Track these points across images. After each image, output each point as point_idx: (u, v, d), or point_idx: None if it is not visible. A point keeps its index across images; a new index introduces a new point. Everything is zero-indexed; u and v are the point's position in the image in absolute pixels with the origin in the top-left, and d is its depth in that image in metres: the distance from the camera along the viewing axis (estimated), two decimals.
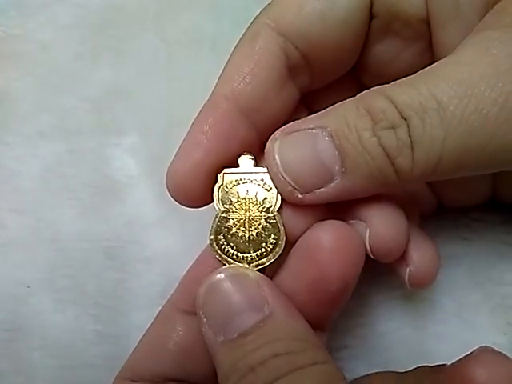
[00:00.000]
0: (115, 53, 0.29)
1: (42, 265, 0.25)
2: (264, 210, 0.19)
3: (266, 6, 0.20)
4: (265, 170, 0.19)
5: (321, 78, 0.21)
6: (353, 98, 0.18)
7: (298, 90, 0.21)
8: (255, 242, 0.19)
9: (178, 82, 0.28)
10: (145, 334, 0.21)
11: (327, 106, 0.18)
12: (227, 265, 0.19)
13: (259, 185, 0.19)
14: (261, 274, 0.18)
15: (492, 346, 0.17)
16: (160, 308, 0.21)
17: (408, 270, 0.20)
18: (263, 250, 0.19)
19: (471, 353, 0.17)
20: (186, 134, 0.20)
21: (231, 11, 0.29)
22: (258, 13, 0.20)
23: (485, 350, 0.17)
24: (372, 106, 0.16)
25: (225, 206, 0.20)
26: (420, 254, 0.20)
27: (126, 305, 0.25)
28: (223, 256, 0.19)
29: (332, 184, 0.17)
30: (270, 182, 0.19)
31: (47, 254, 0.26)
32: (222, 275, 0.18)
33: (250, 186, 0.20)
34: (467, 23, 0.18)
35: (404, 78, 0.17)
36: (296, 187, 0.18)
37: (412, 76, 0.17)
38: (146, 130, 0.28)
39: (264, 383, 0.16)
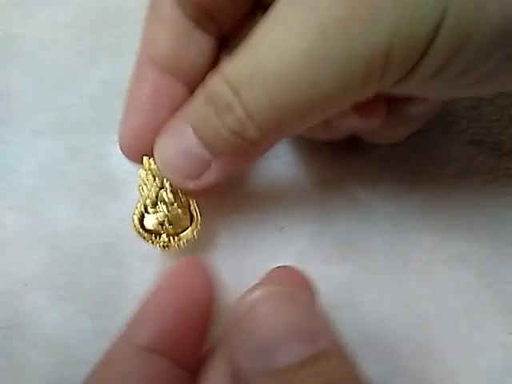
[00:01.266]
0: (114, 51, 0.29)
1: (39, 262, 0.25)
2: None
3: None
4: None
5: (227, 19, 0.22)
6: (201, 84, 0.19)
7: (211, 36, 0.22)
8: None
9: None
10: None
11: None
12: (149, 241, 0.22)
13: None
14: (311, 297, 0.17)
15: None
16: None
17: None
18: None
19: None
20: (124, 103, 0.22)
21: None
22: None
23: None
24: (213, 90, 0.18)
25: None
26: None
27: (122, 302, 0.24)
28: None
29: (211, 168, 0.20)
30: None
31: (45, 251, 0.26)
32: (268, 292, 0.15)
33: None
34: None
35: (239, 47, 0.18)
36: (182, 179, 0.20)
37: (244, 43, 0.18)
38: None
39: None
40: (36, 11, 0.30)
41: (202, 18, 0.21)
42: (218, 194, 0.25)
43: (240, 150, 0.19)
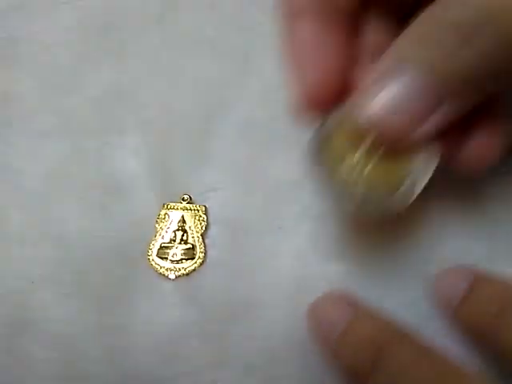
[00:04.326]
0: (117, 54, 0.29)
1: (46, 261, 0.26)
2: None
3: None
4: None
5: None
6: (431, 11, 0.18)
7: None
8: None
9: (179, 83, 0.29)
10: None
11: None
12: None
13: None
14: None
15: None
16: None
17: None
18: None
19: None
20: (293, 62, 0.20)
21: (232, 13, 0.30)
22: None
23: None
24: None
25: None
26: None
27: (129, 299, 0.25)
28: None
29: (443, 107, 0.18)
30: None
31: (51, 250, 0.26)
32: None
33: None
34: None
35: None
36: (407, 126, 0.18)
37: None
38: (147, 129, 0.28)
39: None
40: (39, 14, 0.30)
41: None
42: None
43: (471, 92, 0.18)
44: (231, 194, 0.26)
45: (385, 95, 0.18)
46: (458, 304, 0.21)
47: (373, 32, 0.21)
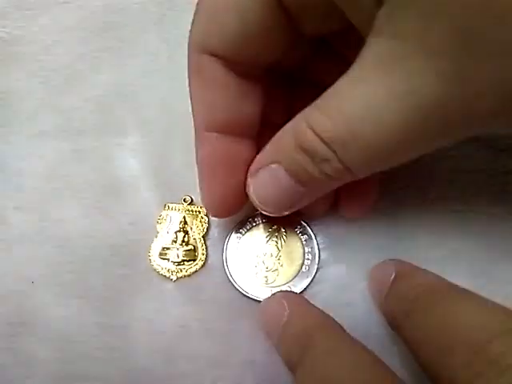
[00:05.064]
0: (117, 54, 0.30)
1: (46, 261, 0.26)
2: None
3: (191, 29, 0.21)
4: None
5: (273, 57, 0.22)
6: (289, 131, 0.20)
7: (258, 82, 0.22)
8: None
9: (179, 83, 0.28)
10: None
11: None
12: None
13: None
14: None
15: None
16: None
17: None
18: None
19: None
20: (198, 171, 0.23)
21: None
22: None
23: None
24: (306, 144, 0.19)
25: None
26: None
27: (128, 299, 0.25)
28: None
29: (304, 198, 0.21)
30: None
31: (51, 251, 0.26)
32: None
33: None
34: None
35: (320, 98, 0.19)
36: (279, 211, 0.22)
37: (326, 96, 0.18)
38: (147, 130, 0.28)
39: None
40: (39, 14, 0.30)
41: (248, 70, 0.22)
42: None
43: (335, 187, 0.21)
44: None
45: (256, 183, 0.22)
46: (382, 299, 0.23)
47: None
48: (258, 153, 0.22)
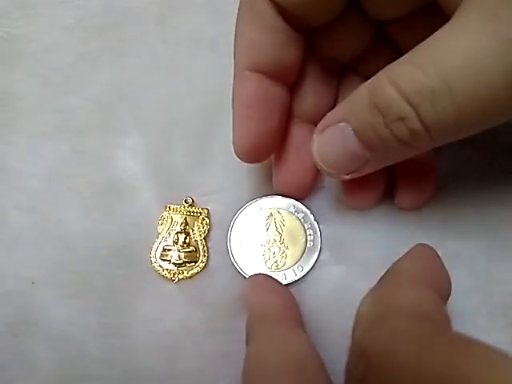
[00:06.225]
0: (117, 54, 0.29)
1: (47, 262, 0.26)
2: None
3: None
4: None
5: (319, 20, 0.22)
6: (365, 87, 0.19)
7: (302, 34, 0.22)
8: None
9: (179, 83, 0.29)
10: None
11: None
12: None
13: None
14: None
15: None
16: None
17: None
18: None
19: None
20: (234, 111, 0.22)
21: (231, 13, 0.30)
22: None
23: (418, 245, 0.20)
24: (380, 98, 0.17)
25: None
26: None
27: (129, 299, 0.25)
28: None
29: (369, 164, 0.20)
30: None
31: (52, 251, 0.26)
32: None
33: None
34: None
35: (408, 53, 0.17)
36: (341, 175, 0.21)
37: (416, 50, 0.17)
38: (147, 130, 0.28)
39: None
40: (39, 13, 0.30)
41: (295, 19, 0.21)
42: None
43: (402, 155, 0.19)
44: (233, 195, 0.26)
45: (321, 140, 0.21)
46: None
47: (311, 84, 0.24)
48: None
